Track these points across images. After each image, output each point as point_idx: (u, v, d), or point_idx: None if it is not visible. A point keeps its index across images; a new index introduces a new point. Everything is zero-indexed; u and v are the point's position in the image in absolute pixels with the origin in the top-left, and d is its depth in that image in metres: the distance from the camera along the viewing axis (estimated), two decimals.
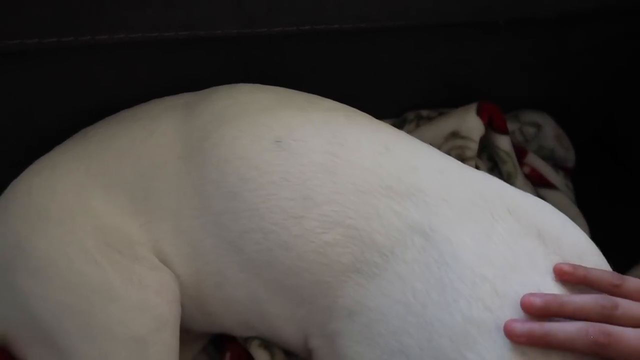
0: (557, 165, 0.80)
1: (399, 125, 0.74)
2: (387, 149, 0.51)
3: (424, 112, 0.75)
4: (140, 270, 0.51)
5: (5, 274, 0.51)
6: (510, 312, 0.41)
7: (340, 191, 0.49)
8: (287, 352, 0.60)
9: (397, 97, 0.75)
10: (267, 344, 0.58)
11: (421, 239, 0.46)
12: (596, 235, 0.53)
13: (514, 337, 0.40)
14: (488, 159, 0.75)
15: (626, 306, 0.41)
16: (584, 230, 0.56)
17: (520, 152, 0.76)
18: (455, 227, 0.46)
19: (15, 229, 0.52)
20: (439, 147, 0.70)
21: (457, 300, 0.42)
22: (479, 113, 0.71)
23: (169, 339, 0.51)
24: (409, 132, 0.73)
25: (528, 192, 0.55)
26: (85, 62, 0.60)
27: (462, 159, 0.70)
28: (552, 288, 0.42)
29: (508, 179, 0.72)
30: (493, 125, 0.72)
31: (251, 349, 0.58)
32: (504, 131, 0.72)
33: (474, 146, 0.70)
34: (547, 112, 0.80)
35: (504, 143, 0.72)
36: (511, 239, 0.45)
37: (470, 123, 0.70)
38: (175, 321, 0.52)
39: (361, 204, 0.49)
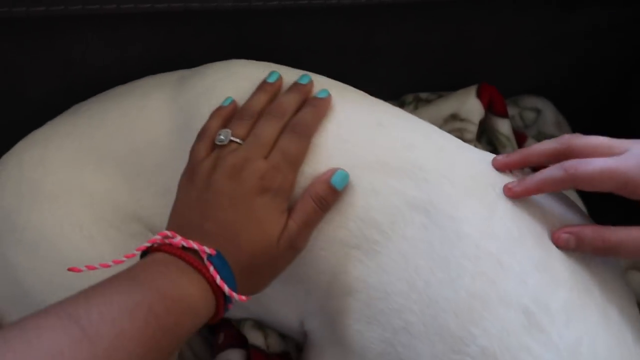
0: None
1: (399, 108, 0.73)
2: (381, 125, 0.50)
3: (423, 95, 0.74)
4: (134, 246, 0.50)
5: None
6: (514, 283, 0.40)
7: (332, 166, 0.48)
8: (281, 335, 0.59)
9: (396, 79, 0.74)
10: (261, 325, 0.57)
11: (422, 216, 0.45)
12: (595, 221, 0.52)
13: (508, 192, 0.45)
14: (487, 143, 0.73)
15: (586, 137, 0.45)
16: None
17: (520, 137, 0.75)
18: (457, 203, 0.44)
19: (6, 204, 0.52)
20: None
21: (462, 277, 0.42)
22: (479, 95, 0.69)
23: None
24: None
25: None
26: (76, 34, 0.58)
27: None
28: (557, 262, 0.42)
29: None
30: (493, 108, 0.70)
31: (244, 330, 0.57)
32: (504, 114, 0.71)
33: (473, 129, 0.69)
34: (547, 98, 0.79)
35: (503, 127, 0.71)
36: (515, 214, 0.44)
37: (470, 105, 0.69)
38: None
39: (356, 180, 0.47)
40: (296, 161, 0.47)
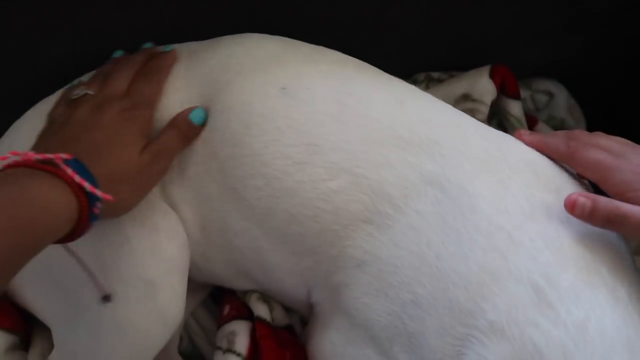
0: None
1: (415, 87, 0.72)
2: (398, 101, 0.50)
3: (435, 74, 0.74)
4: (151, 214, 0.51)
5: None
6: (525, 259, 0.40)
7: (348, 140, 0.48)
8: (286, 308, 0.59)
9: (408, 57, 0.73)
10: (266, 298, 0.57)
11: (436, 190, 0.45)
12: None
13: (520, 137, 0.51)
14: (498, 125, 0.73)
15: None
16: None
17: (531, 120, 0.74)
18: (472, 178, 0.45)
19: None
20: None
21: (474, 251, 0.42)
22: (492, 76, 0.69)
23: (178, 284, 0.50)
24: None
25: None
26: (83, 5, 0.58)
27: None
28: (567, 241, 0.42)
29: None
30: (505, 89, 0.70)
31: (250, 302, 0.57)
32: (516, 96, 0.70)
33: (485, 109, 0.68)
34: (560, 81, 0.78)
35: (515, 108, 0.70)
36: (528, 191, 0.44)
37: (482, 85, 0.68)
38: (185, 266, 0.51)
39: (371, 153, 0.47)
40: (149, 100, 0.51)
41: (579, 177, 0.50)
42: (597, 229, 0.43)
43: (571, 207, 0.43)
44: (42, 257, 0.49)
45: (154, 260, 0.49)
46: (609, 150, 0.47)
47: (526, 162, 0.46)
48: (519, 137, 0.50)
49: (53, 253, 0.49)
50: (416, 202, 0.45)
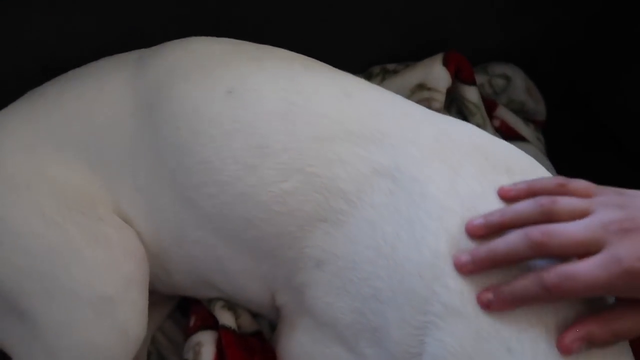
0: (527, 118, 0.78)
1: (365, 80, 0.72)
2: (347, 95, 0.49)
3: (390, 66, 0.73)
4: (105, 230, 0.50)
5: None
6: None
7: (298, 138, 0.47)
8: (254, 314, 0.58)
9: (362, 50, 0.72)
10: (231, 305, 0.56)
11: (388, 181, 0.44)
12: None
13: (461, 269, 0.39)
14: (457, 112, 0.73)
15: (565, 201, 0.39)
16: None
17: (490, 105, 0.74)
18: (422, 166, 0.44)
19: None
20: None
21: (425, 237, 0.41)
22: (446, 63, 0.69)
23: (138, 298, 0.49)
24: None
25: None
26: (24, 13, 0.56)
27: None
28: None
29: None
30: (460, 75, 0.70)
31: (215, 310, 0.56)
32: (472, 82, 0.70)
33: (440, 97, 0.68)
34: (517, 65, 0.78)
35: (471, 94, 0.70)
36: (480, 175, 0.43)
37: (436, 74, 0.68)
38: (144, 280, 0.50)
39: (322, 151, 0.46)
40: None
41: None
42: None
43: (566, 352, 0.37)
44: None
45: (111, 276, 0.48)
46: (585, 252, 0.37)
47: (475, 146, 0.46)
48: (485, 309, 0.39)
49: (5, 277, 0.48)
50: (370, 195, 0.45)
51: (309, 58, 0.55)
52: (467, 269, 0.39)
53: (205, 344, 0.54)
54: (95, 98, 0.53)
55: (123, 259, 0.49)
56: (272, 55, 0.54)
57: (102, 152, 0.52)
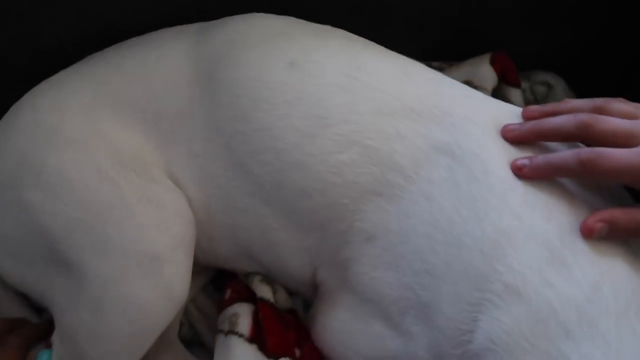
0: None
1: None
2: (407, 74, 0.50)
3: (435, 64, 0.74)
4: (156, 190, 0.50)
5: (10, 192, 0.50)
6: (540, 220, 0.40)
7: (358, 112, 0.47)
8: (289, 293, 0.58)
9: (407, 47, 0.72)
10: (269, 280, 0.56)
11: (447, 158, 0.45)
12: None
13: (518, 171, 0.42)
14: None
15: (606, 120, 0.41)
16: None
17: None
18: (483, 143, 0.44)
19: (22, 147, 0.51)
20: None
21: (488, 213, 0.41)
22: (493, 63, 0.69)
23: (184, 260, 0.49)
24: None
25: None
26: None
27: None
28: (581, 198, 0.41)
29: None
30: (506, 77, 0.70)
31: (253, 284, 0.55)
32: (517, 84, 0.70)
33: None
34: (559, 75, 0.79)
35: (515, 96, 0.70)
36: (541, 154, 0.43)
37: (483, 72, 0.68)
38: (191, 242, 0.51)
39: (381, 125, 0.47)
40: None
41: None
42: (608, 193, 0.42)
43: (588, 233, 0.39)
44: (43, 234, 0.48)
45: (160, 235, 0.48)
46: (626, 141, 0.40)
47: None
48: (517, 173, 0.43)
49: (56, 228, 0.48)
50: (428, 171, 0.45)
51: (368, 40, 0.56)
52: (523, 172, 0.42)
53: (242, 315, 0.54)
54: (156, 64, 0.54)
55: (172, 220, 0.49)
56: (335, 34, 0.54)
57: (159, 117, 0.52)
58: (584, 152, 0.40)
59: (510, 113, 0.47)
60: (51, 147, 0.50)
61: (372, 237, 0.47)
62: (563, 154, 0.42)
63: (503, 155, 0.43)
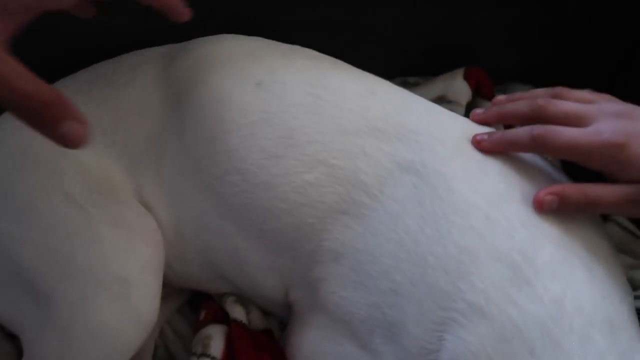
0: None
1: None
2: (373, 93, 0.50)
3: (411, 79, 0.74)
4: (125, 213, 0.50)
5: None
6: (502, 237, 0.40)
7: (323, 131, 0.48)
8: (264, 312, 0.57)
9: (383, 63, 0.72)
10: (243, 301, 0.56)
11: (412, 176, 0.45)
12: None
13: (478, 144, 0.45)
14: None
15: (558, 103, 0.45)
16: None
17: (508, 125, 0.74)
18: (447, 162, 0.44)
19: None
20: None
21: (451, 232, 0.41)
22: (466, 78, 0.69)
23: (152, 282, 0.49)
24: None
25: None
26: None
27: None
28: (544, 219, 0.42)
29: None
30: (480, 91, 0.70)
31: (226, 305, 0.55)
32: (491, 97, 0.70)
33: (460, 111, 0.68)
34: (535, 86, 0.79)
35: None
36: (505, 173, 0.44)
37: (457, 87, 0.69)
38: (159, 265, 0.50)
39: (346, 144, 0.47)
40: None
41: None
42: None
43: (539, 206, 0.42)
44: (10, 260, 0.48)
45: (128, 258, 0.48)
46: (576, 122, 0.43)
47: None
48: (477, 146, 0.46)
49: (22, 254, 0.48)
50: (393, 189, 0.45)
51: (336, 59, 0.56)
52: (482, 145, 0.45)
53: (215, 337, 0.53)
54: (125, 86, 0.54)
55: (141, 243, 0.49)
56: (302, 54, 0.55)
57: (128, 140, 0.52)
58: (536, 128, 0.43)
59: (475, 131, 0.47)
60: (20, 171, 0.50)
61: (339, 257, 0.47)
62: (518, 130, 0.45)
63: (467, 173, 0.44)
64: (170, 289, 0.57)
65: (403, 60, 0.74)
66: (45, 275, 0.47)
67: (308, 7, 0.65)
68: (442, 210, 0.42)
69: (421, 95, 0.68)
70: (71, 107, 0.35)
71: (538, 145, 0.43)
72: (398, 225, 0.44)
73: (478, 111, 0.50)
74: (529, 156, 0.47)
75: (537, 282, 0.38)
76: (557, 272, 0.39)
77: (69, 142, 0.35)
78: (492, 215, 0.41)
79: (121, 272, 0.47)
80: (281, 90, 0.49)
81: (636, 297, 0.48)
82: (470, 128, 0.48)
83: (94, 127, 0.52)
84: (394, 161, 0.46)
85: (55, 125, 0.35)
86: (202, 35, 0.58)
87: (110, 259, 0.48)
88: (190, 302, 0.62)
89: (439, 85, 0.70)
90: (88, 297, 0.47)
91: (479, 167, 0.44)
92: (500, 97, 0.52)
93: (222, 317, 0.56)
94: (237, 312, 0.54)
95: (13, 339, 0.56)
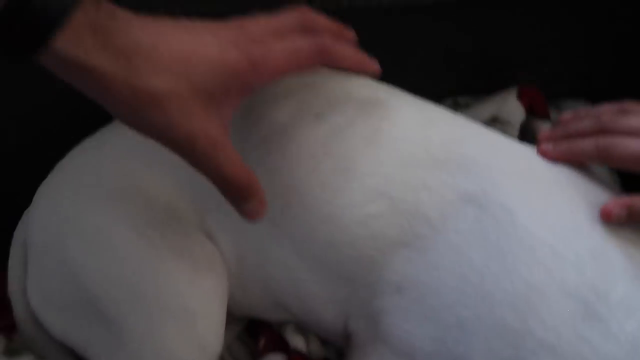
0: None
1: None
2: (431, 122, 0.50)
3: (462, 100, 0.73)
4: (190, 245, 0.51)
5: (57, 249, 0.51)
6: (572, 272, 0.39)
7: (384, 163, 0.48)
8: (323, 341, 0.58)
9: (433, 83, 0.73)
10: (302, 330, 0.56)
11: (475, 209, 0.44)
12: None
13: (544, 154, 0.48)
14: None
15: (624, 120, 0.46)
16: None
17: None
18: (512, 195, 0.44)
19: (66, 207, 0.52)
20: None
21: (518, 267, 0.41)
22: (520, 97, 0.69)
23: (217, 313, 0.50)
24: None
25: None
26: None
27: None
28: (614, 251, 0.41)
29: None
30: (534, 109, 0.69)
31: (286, 333, 0.56)
32: (546, 116, 0.69)
33: (514, 132, 0.68)
34: (590, 102, 0.77)
35: (545, 129, 0.69)
36: (571, 206, 0.43)
37: (510, 107, 0.68)
38: (224, 295, 0.51)
39: (407, 176, 0.47)
40: None
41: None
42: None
43: (607, 218, 0.42)
44: (85, 290, 0.50)
45: (194, 290, 0.49)
46: None
47: (565, 175, 0.45)
48: (544, 155, 0.48)
49: (96, 285, 0.49)
50: (455, 222, 0.45)
51: (392, 87, 0.56)
52: (549, 155, 0.47)
53: None
54: None
55: (206, 274, 0.50)
56: (356, 82, 0.55)
57: (190, 171, 0.53)
58: (602, 139, 0.45)
59: (537, 157, 0.47)
60: (93, 205, 0.52)
61: (401, 289, 0.46)
62: (584, 140, 0.47)
63: (530, 205, 0.43)
64: (230, 316, 0.58)
65: (452, 80, 0.74)
66: (118, 305, 0.49)
67: (355, 27, 0.65)
68: (507, 244, 0.42)
69: (473, 116, 0.69)
70: (259, 189, 0.42)
71: (604, 156, 0.45)
72: (462, 259, 0.43)
73: (546, 145, 0.49)
74: (594, 182, 0.46)
75: (611, 318, 0.38)
76: (631, 308, 0.38)
77: (250, 216, 0.42)
78: (560, 249, 0.40)
79: (188, 303, 0.48)
80: (341, 122, 0.50)
81: None
82: (532, 156, 0.47)
83: (157, 161, 0.54)
84: (455, 192, 0.45)
85: (245, 202, 0.41)
86: None
87: (176, 290, 0.49)
88: (249, 328, 0.62)
89: (492, 105, 0.69)
90: (156, 327, 0.48)
91: (543, 198, 0.43)
92: (565, 116, 0.52)
93: (282, 346, 0.56)
94: (298, 341, 0.55)
95: None
